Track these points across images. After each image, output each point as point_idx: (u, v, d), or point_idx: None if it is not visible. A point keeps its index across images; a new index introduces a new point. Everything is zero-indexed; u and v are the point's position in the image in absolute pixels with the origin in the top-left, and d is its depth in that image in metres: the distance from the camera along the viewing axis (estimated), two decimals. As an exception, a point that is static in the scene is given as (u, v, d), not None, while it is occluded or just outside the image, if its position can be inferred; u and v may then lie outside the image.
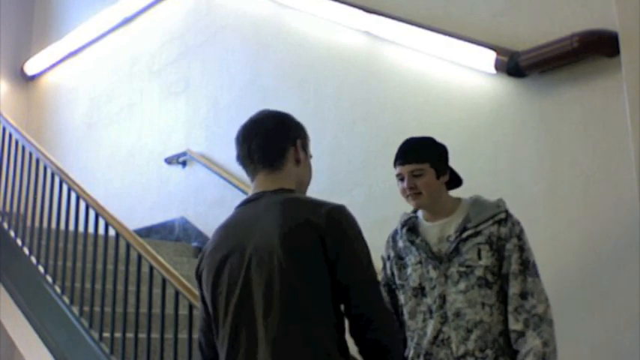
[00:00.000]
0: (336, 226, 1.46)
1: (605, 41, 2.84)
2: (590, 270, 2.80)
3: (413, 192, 2.01)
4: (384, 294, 2.12)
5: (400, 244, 2.10)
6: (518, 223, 1.98)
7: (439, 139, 2.11)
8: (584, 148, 2.92)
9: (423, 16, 3.67)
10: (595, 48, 2.89)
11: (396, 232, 2.14)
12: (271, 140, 1.60)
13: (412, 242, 2.05)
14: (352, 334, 1.46)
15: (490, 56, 3.23)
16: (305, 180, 1.66)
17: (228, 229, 1.59)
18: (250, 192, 1.62)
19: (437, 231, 2.02)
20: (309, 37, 4.43)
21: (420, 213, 2.11)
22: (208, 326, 1.60)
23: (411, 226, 2.08)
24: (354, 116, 3.99)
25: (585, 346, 2.71)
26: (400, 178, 2.05)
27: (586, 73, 2.95)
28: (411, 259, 2.05)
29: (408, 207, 2.11)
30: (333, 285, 1.44)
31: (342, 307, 1.48)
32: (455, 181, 2.12)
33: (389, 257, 2.14)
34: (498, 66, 3.21)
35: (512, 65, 3.14)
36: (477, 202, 2.02)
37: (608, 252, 2.77)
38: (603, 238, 2.80)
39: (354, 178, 3.88)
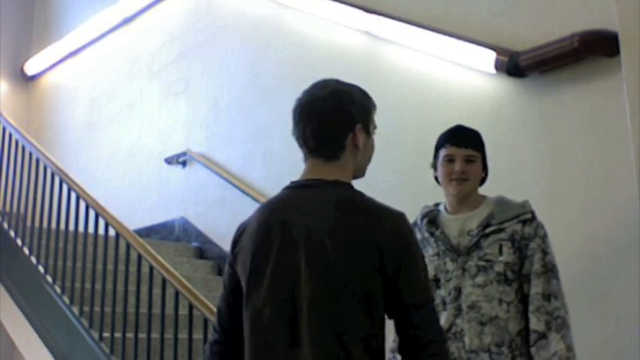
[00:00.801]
0: (398, 242, 1.39)
1: (605, 41, 2.84)
2: (590, 270, 2.80)
3: (461, 177, 1.99)
4: None
5: (418, 235, 2.08)
6: (543, 227, 1.97)
7: (439, 138, 2.11)
8: (584, 148, 2.92)
9: (423, 16, 3.67)
10: (595, 48, 2.89)
11: (414, 224, 2.12)
12: (328, 128, 1.48)
13: (432, 234, 2.04)
14: (405, 353, 1.39)
15: (490, 56, 3.23)
16: (364, 164, 1.56)
17: (275, 211, 1.47)
18: (303, 173, 1.52)
19: (458, 224, 2.01)
20: (309, 37, 4.43)
21: (441, 206, 2.10)
22: (233, 297, 1.51)
23: (431, 218, 2.07)
24: (354, 116, 3.99)
25: (585, 346, 2.71)
26: (449, 159, 2.01)
27: (586, 73, 2.95)
28: (428, 250, 2.04)
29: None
30: (392, 301, 1.38)
31: (394, 322, 1.41)
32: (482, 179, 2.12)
33: None
34: (498, 66, 3.21)
35: (512, 65, 3.14)
36: (502, 201, 2.02)
37: (608, 252, 2.77)
38: (603, 238, 2.80)
39: (354, 178, 3.88)
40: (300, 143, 1.52)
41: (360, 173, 1.57)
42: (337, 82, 1.57)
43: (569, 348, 1.83)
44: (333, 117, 1.49)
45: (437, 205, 2.12)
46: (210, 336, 1.59)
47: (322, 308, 1.36)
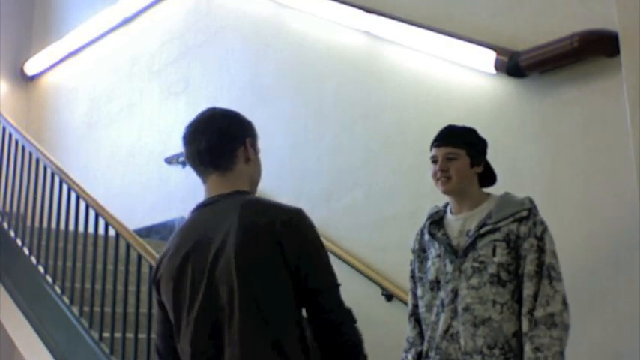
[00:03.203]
0: (294, 232, 1.46)
1: (605, 41, 2.84)
2: (590, 270, 2.80)
3: (443, 175, 2.01)
4: (411, 285, 2.15)
5: (425, 237, 2.11)
6: (542, 223, 1.94)
7: (439, 138, 2.11)
8: (584, 148, 2.92)
9: (423, 16, 3.66)
10: (595, 48, 2.89)
11: (424, 226, 2.14)
12: (220, 141, 1.57)
13: (433, 235, 2.05)
14: (319, 338, 1.45)
15: (490, 56, 3.23)
16: (256, 178, 1.65)
17: (186, 234, 1.56)
18: (204, 195, 1.60)
19: (459, 224, 2.02)
20: (309, 37, 4.43)
21: (449, 207, 2.11)
22: (168, 331, 1.57)
23: (436, 219, 2.09)
24: (354, 116, 3.99)
25: (585, 346, 2.71)
26: (434, 160, 2.06)
27: (586, 73, 2.95)
28: (432, 252, 2.05)
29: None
30: (297, 290, 1.44)
31: (305, 310, 1.48)
32: (490, 178, 2.12)
33: (414, 250, 2.15)
34: (498, 66, 3.21)
35: (512, 65, 3.14)
36: (503, 199, 2.01)
37: (608, 252, 2.77)
38: (603, 238, 2.80)
39: (354, 178, 3.88)
40: (194, 163, 1.59)
41: (253, 190, 1.64)
42: (223, 108, 1.66)
43: (538, 348, 1.80)
44: (225, 131, 1.58)
45: (446, 206, 2.13)
46: None
47: (238, 318, 1.41)
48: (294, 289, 1.44)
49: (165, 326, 1.59)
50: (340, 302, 1.47)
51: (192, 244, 1.52)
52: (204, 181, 1.60)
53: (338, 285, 1.50)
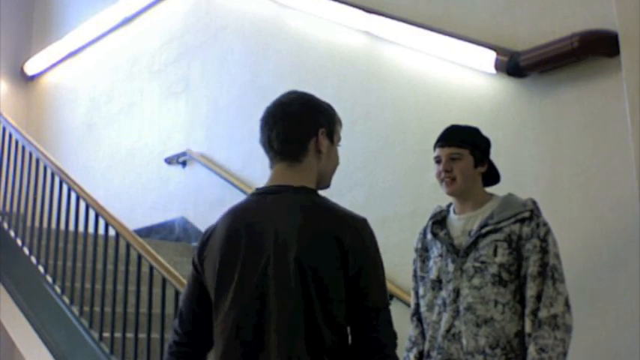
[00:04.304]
0: (361, 245, 1.42)
1: (605, 41, 2.84)
2: (590, 270, 2.80)
3: (447, 176, 2.00)
4: (413, 284, 2.15)
5: (428, 236, 2.11)
6: (545, 225, 1.94)
7: (439, 138, 2.10)
8: (584, 148, 2.92)
9: (423, 16, 3.67)
10: (595, 48, 2.89)
11: (427, 225, 2.14)
12: (292, 129, 1.51)
13: (435, 235, 2.05)
14: (360, 353, 1.41)
15: (490, 56, 3.23)
16: (327, 171, 1.57)
17: (242, 218, 1.50)
18: (268, 180, 1.54)
19: (461, 224, 2.02)
20: (309, 37, 4.43)
21: (452, 207, 2.11)
22: (195, 296, 1.53)
23: (439, 219, 2.09)
24: (354, 116, 3.99)
25: (585, 346, 2.71)
26: (437, 160, 2.05)
27: (586, 73, 2.95)
28: (434, 251, 2.05)
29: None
30: (350, 302, 1.40)
31: (352, 323, 1.44)
32: (493, 177, 2.11)
33: (417, 249, 2.15)
34: (498, 66, 3.21)
35: (512, 65, 3.14)
36: (506, 200, 2.01)
37: (608, 252, 2.77)
38: (603, 238, 2.80)
39: (354, 178, 3.88)
40: (265, 149, 1.55)
41: (324, 182, 1.58)
42: (305, 92, 1.60)
43: (542, 349, 1.80)
44: (297, 119, 1.53)
45: (449, 206, 2.13)
46: (171, 337, 1.60)
47: (291, 312, 1.38)
48: (348, 300, 1.40)
49: (193, 292, 1.54)
50: (389, 324, 1.44)
51: (248, 231, 1.46)
52: (271, 167, 1.54)
53: (389, 305, 1.46)
